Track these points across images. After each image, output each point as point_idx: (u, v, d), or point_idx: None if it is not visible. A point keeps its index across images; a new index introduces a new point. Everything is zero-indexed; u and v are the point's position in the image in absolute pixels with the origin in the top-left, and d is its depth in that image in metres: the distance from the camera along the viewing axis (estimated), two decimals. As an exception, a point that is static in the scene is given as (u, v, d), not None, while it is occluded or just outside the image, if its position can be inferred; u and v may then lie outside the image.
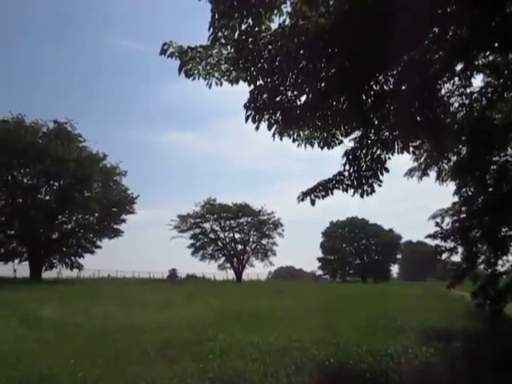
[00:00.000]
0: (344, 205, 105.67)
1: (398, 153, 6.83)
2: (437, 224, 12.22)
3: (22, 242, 34.74)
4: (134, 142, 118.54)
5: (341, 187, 7.04)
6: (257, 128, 6.25)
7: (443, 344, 7.63)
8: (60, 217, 36.22)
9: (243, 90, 6.24)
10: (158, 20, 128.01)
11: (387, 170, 6.88)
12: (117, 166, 38.50)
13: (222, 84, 6.20)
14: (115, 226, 38.58)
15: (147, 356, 6.88)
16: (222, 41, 5.64)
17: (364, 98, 6.28)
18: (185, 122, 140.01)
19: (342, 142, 7.30)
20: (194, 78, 5.94)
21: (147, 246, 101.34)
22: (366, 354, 6.90)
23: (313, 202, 7.11)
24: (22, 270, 35.93)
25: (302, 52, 5.63)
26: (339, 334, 8.64)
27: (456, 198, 12.22)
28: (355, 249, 77.47)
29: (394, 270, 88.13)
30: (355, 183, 6.91)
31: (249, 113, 6.03)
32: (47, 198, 35.62)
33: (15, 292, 19.20)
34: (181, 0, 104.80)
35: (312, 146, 7.45)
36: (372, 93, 6.28)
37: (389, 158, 6.91)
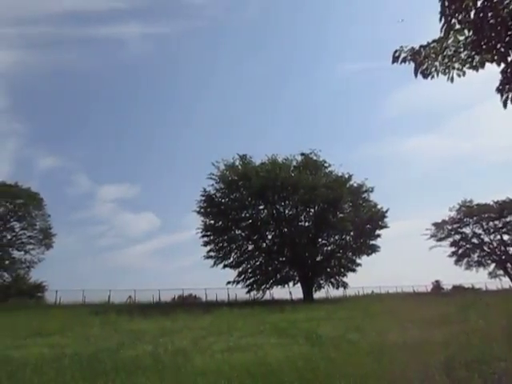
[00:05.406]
0: None
1: None
2: None
3: (292, 266, 38.52)
4: (376, 157, 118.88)
5: None
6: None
7: None
8: (320, 240, 38.89)
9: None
10: (374, 35, 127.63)
11: None
12: (363, 183, 39.50)
13: (464, 74, 5.61)
14: (371, 243, 39.12)
15: (431, 376, 6.44)
16: (457, 27, 5.11)
17: None
18: (420, 125, 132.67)
19: None
20: (432, 77, 5.55)
21: (405, 258, 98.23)
22: None
23: None
24: (297, 291, 39.99)
25: None
26: None
27: None
28: None
29: None
30: None
31: (505, 95, 5.21)
32: (306, 224, 38.69)
33: (294, 313, 21.29)
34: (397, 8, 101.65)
35: None
36: None
37: None
